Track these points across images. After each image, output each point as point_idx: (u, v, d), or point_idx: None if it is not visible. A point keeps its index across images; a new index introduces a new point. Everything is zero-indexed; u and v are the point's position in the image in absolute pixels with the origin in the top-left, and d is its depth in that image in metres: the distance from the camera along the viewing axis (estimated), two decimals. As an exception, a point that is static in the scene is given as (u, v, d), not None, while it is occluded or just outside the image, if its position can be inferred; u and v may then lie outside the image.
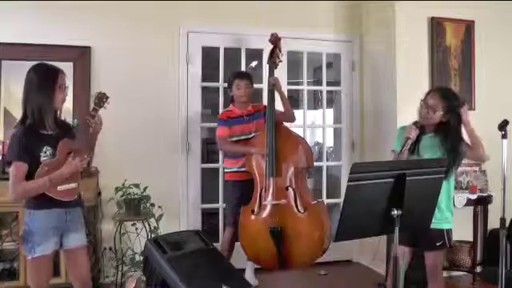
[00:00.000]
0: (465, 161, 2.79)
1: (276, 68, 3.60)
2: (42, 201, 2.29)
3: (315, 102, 6.44)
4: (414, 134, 2.56)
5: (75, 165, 2.31)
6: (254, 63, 5.03)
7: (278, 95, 3.55)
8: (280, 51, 3.59)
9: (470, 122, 2.57)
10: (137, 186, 3.59)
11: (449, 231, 2.64)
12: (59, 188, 2.30)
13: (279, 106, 3.58)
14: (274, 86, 3.50)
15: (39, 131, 2.31)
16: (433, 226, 2.32)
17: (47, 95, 2.30)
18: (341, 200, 3.83)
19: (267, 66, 3.65)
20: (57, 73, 2.36)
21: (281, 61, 3.63)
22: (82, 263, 2.50)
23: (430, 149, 2.61)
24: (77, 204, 2.46)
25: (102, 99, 2.45)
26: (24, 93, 2.34)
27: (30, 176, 2.26)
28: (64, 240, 2.41)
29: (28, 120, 2.30)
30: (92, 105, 2.46)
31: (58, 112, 2.45)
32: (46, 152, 2.30)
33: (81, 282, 2.51)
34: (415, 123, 2.59)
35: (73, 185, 2.36)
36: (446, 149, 2.56)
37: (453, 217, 2.66)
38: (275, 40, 3.59)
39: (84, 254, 2.51)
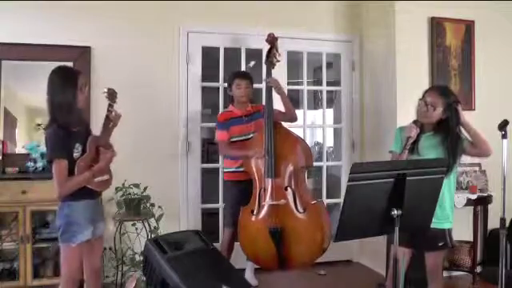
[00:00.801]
0: (466, 160, 2.79)
1: (273, 68, 3.59)
2: (80, 193, 2.46)
3: (315, 102, 6.43)
4: (414, 132, 2.57)
5: (110, 158, 2.58)
6: (252, 63, 5.02)
7: (279, 96, 3.54)
8: (277, 51, 3.58)
9: (467, 121, 2.58)
10: (137, 186, 3.59)
11: (450, 231, 2.64)
12: (96, 180, 2.51)
13: (279, 105, 3.58)
14: (272, 87, 3.48)
15: (69, 129, 2.45)
16: (434, 225, 2.33)
17: (70, 96, 2.45)
18: (341, 200, 3.84)
19: (265, 65, 3.64)
20: (77, 75, 2.52)
21: (278, 60, 3.61)
22: (99, 251, 2.74)
23: (431, 148, 2.62)
24: (99, 195, 2.69)
25: (113, 95, 2.67)
26: (48, 95, 2.48)
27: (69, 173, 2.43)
28: (94, 229, 2.57)
29: (58, 120, 2.44)
30: (107, 101, 2.65)
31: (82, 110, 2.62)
32: (77, 148, 2.47)
33: (93, 270, 2.67)
34: (415, 122, 2.60)
35: (105, 176, 2.59)
36: (446, 147, 2.57)
37: (453, 215, 2.67)
38: (272, 40, 3.58)
39: (102, 243, 2.79)
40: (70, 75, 2.51)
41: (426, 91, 2.67)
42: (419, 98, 2.67)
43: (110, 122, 2.64)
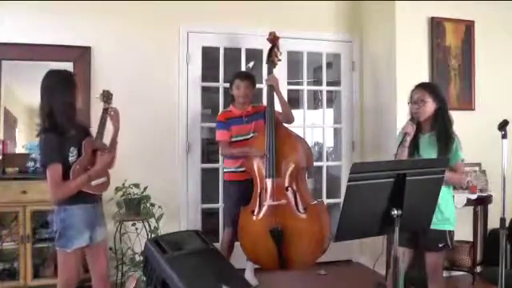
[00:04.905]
0: (465, 160, 2.79)
1: (275, 67, 3.59)
2: (76, 197, 2.41)
3: (315, 102, 6.42)
4: (410, 128, 2.59)
5: (106, 159, 2.51)
6: (250, 63, 5.02)
7: (276, 96, 3.53)
8: (278, 50, 3.59)
9: (452, 177, 2.60)
10: (137, 186, 3.59)
11: (451, 233, 2.65)
12: (93, 183, 2.46)
13: (277, 105, 3.56)
14: (271, 86, 3.49)
15: (63, 134, 2.40)
16: (435, 226, 2.33)
17: (71, 99, 2.43)
18: (341, 200, 3.84)
19: (266, 65, 3.64)
20: (74, 76, 2.52)
21: (279, 59, 3.62)
22: (103, 257, 2.63)
23: (429, 147, 2.63)
24: (99, 199, 2.63)
25: (108, 96, 2.64)
26: (45, 100, 2.41)
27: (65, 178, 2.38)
28: (93, 234, 2.52)
29: (53, 124, 2.38)
30: (102, 104, 2.64)
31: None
32: (72, 152, 2.43)
33: (100, 276, 2.61)
34: (411, 120, 2.62)
35: (103, 179, 2.53)
36: (443, 141, 2.59)
37: (454, 218, 2.68)
38: (274, 39, 3.59)
39: (105, 249, 2.69)
40: (67, 77, 2.47)
41: (411, 92, 2.71)
42: (407, 101, 2.71)
43: (105, 124, 2.59)
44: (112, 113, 2.63)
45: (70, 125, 2.42)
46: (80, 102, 2.52)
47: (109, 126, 2.66)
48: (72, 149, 2.42)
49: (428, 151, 2.62)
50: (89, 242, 2.49)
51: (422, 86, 2.70)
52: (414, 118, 2.64)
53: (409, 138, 2.58)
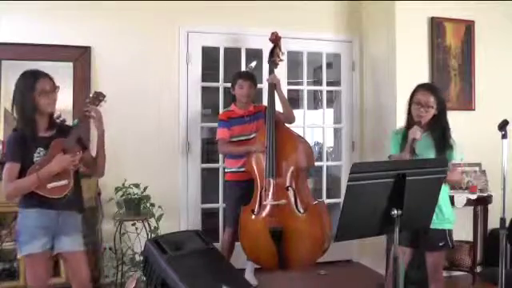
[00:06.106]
0: (466, 160, 2.80)
1: (276, 67, 3.60)
2: (32, 200, 2.32)
3: (315, 102, 6.43)
4: (419, 135, 2.56)
5: (64, 160, 2.32)
6: (253, 63, 5.02)
7: (277, 95, 3.54)
8: (280, 50, 3.59)
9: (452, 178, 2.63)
10: (137, 186, 3.59)
11: (450, 231, 2.65)
12: (49, 186, 2.31)
13: (278, 106, 3.57)
14: (275, 84, 3.49)
15: (32, 134, 2.36)
16: (434, 226, 2.32)
17: (28, 102, 2.34)
18: (341, 200, 3.84)
19: (268, 65, 3.64)
20: (35, 79, 2.37)
21: (281, 60, 3.63)
22: (79, 268, 2.48)
23: (427, 148, 2.63)
24: (71, 207, 2.43)
25: (97, 98, 2.50)
26: (12, 99, 2.41)
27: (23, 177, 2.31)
28: (56, 243, 2.40)
29: (18, 125, 2.37)
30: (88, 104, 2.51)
31: (55, 114, 2.49)
32: (39, 153, 2.35)
33: (79, 286, 2.51)
34: (418, 124, 2.60)
35: (63, 182, 2.34)
36: (441, 144, 2.59)
37: (453, 217, 2.68)
38: (276, 39, 3.59)
39: (80, 260, 2.49)
40: (27, 80, 2.37)
41: (415, 92, 2.67)
42: (409, 99, 2.69)
43: (82, 124, 2.50)
44: (92, 113, 2.45)
45: (28, 126, 2.34)
46: (47, 104, 2.37)
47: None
48: (40, 149, 2.34)
49: (424, 150, 2.62)
50: (45, 249, 2.36)
51: (429, 89, 2.64)
52: (413, 119, 2.63)
53: (416, 142, 2.57)
